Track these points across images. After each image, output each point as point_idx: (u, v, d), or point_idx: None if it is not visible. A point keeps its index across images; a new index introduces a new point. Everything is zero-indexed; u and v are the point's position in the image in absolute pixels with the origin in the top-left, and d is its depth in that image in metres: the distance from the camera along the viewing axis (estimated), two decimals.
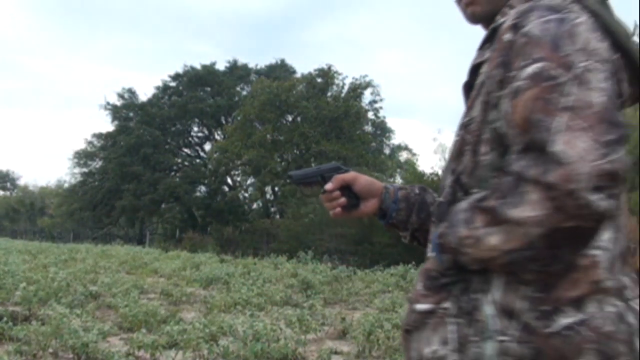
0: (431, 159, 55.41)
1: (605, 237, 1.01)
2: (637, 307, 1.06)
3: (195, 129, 40.89)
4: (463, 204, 1.05)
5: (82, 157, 40.51)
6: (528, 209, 0.93)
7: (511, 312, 1.02)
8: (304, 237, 22.00)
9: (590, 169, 0.90)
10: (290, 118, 33.11)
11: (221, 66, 39.56)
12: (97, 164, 40.28)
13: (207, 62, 39.18)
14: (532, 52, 1.00)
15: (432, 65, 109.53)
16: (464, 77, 1.21)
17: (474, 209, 1.02)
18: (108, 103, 39.64)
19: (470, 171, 1.10)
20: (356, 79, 33.51)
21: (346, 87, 33.35)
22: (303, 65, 78.78)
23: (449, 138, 29.07)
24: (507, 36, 1.05)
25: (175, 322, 6.53)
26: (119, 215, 38.48)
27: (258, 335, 5.72)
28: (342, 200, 1.36)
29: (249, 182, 36.96)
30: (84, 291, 9.07)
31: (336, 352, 6.16)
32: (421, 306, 1.12)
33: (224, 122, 38.78)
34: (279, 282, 12.16)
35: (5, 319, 6.26)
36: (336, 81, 33.27)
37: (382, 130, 37.45)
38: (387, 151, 38.18)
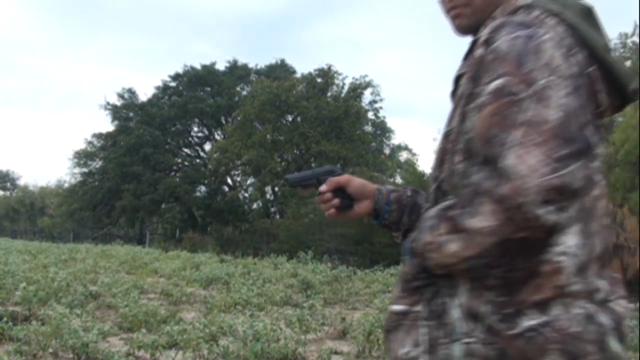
0: (431, 159, 55.34)
1: (572, 243, 1.04)
2: (617, 308, 1.09)
3: (195, 129, 40.91)
4: (432, 211, 1.11)
5: (82, 157, 40.52)
6: (483, 219, 0.98)
7: (476, 315, 1.06)
8: (304, 237, 22.01)
9: (538, 183, 0.94)
10: (290, 118, 33.12)
11: (221, 66, 39.64)
12: (97, 164, 40.28)
13: (207, 62, 39.26)
14: (497, 68, 1.03)
15: (432, 65, 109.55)
16: None
17: (440, 216, 1.07)
18: (108, 103, 39.73)
19: (449, 179, 1.14)
20: (356, 79, 33.60)
21: (346, 87, 33.40)
22: (303, 65, 78.70)
23: None
24: (479, 51, 1.09)
25: (175, 322, 6.54)
26: (119, 215, 38.45)
27: (258, 335, 5.72)
28: (336, 201, 1.41)
29: (249, 182, 37.01)
30: (84, 291, 9.07)
31: (336, 352, 6.16)
32: (397, 307, 1.17)
33: (224, 122, 38.77)
34: (279, 282, 12.16)
35: (5, 319, 6.25)
36: (336, 81, 33.32)
37: (382, 130, 37.46)
38: (387, 151, 38.19)
